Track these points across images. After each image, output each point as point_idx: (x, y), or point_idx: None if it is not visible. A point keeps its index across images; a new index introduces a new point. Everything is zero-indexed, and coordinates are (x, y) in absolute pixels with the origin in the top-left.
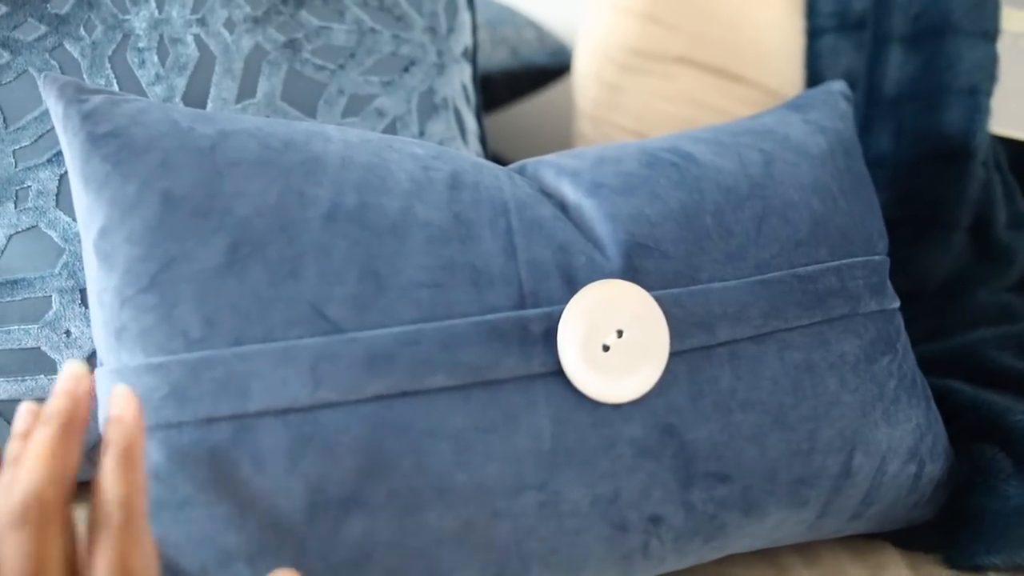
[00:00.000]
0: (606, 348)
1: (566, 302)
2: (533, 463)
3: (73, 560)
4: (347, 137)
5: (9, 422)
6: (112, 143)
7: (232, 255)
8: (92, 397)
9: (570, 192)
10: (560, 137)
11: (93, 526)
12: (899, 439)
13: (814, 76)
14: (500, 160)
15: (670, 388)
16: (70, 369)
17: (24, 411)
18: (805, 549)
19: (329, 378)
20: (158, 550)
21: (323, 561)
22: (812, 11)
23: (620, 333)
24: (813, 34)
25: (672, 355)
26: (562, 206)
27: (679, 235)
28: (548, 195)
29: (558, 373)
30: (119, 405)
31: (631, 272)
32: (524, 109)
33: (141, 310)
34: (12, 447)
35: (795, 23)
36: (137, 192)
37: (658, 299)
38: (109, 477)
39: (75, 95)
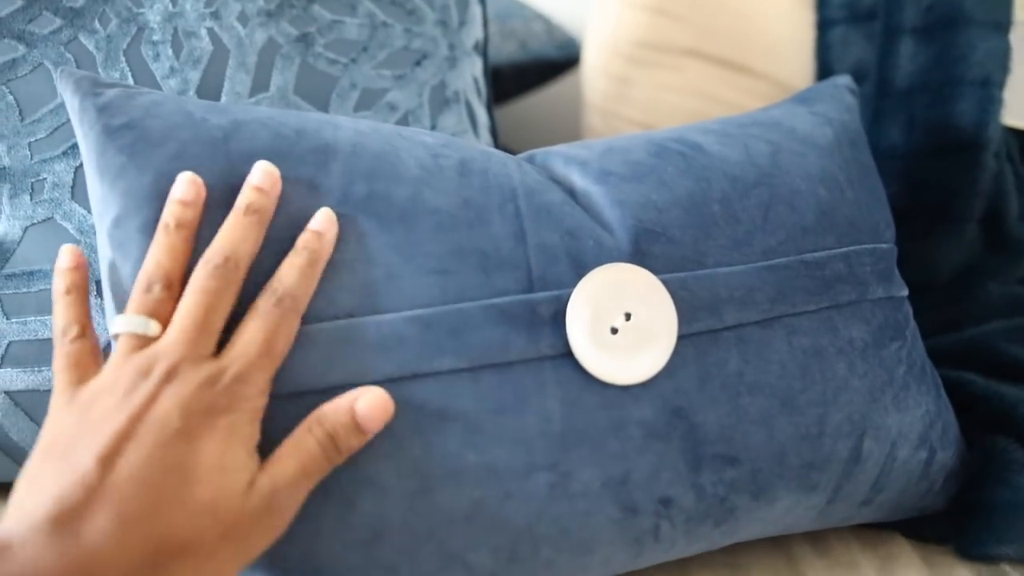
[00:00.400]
0: (614, 331)
1: (574, 286)
2: (543, 444)
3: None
4: (358, 126)
5: (27, 413)
6: (128, 135)
7: None
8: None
9: (578, 179)
10: (569, 130)
11: (259, 299)
12: (909, 425)
13: (824, 68)
14: (509, 152)
15: (678, 371)
16: (264, 167)
17: (186, 181)
18: (816, 539)
19: (339, 362)
20: None
21: (336, 540)
22: (822, 2)
23: (628, 316)
24: (823, 26)
25: (680, 338)
26: (571, 192)
27: (686, 221)
28: (557, 182)
29: (567, 355)
30: (322, 222)
31: (639, 256)
32: (533, 102)
33: None
34: (177, 211)
35: (804, 15)
36: (153, 183)
37: (665, 283)
38: (293, 271)
39: (91, 88)
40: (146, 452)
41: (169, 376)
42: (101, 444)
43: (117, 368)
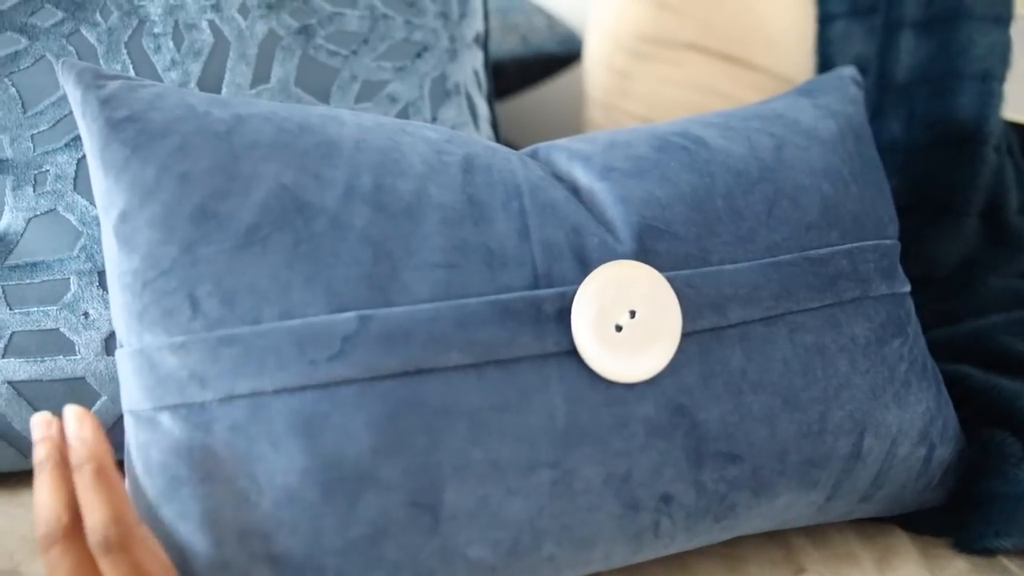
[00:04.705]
0: (619, 328)
1: (579, 283)
2: (546, 441)
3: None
4: (361, 121)
5: (29, 402)
6: (130, 128)
7: (250, 236)
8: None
9: (582, 175)
10: (570, 124)
11: (97, 551)
12: (909, 422)
13: (825, 62)
14: (511, 147)
15: (682, 368)
16: (71, 414)
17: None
18: (815, 531)
19: (345, 355)
20: (172, 528)
21: (339, 538)
22: None
23: (632, 314)
24: (824, 20)
25: (684, 336)
26: (574, 189)
27: (690, 217)
28: (560, 179)
29: (571, 353)
30: (74, 427)
31: (643, 253)
32: (534, 97)
33: (162, 292)
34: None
35: (806, 9)
36: (156, 176)
37: (670, 280)
38: (92, 500)
39: (93, 81)
40: None
41: None
42: None
43: None
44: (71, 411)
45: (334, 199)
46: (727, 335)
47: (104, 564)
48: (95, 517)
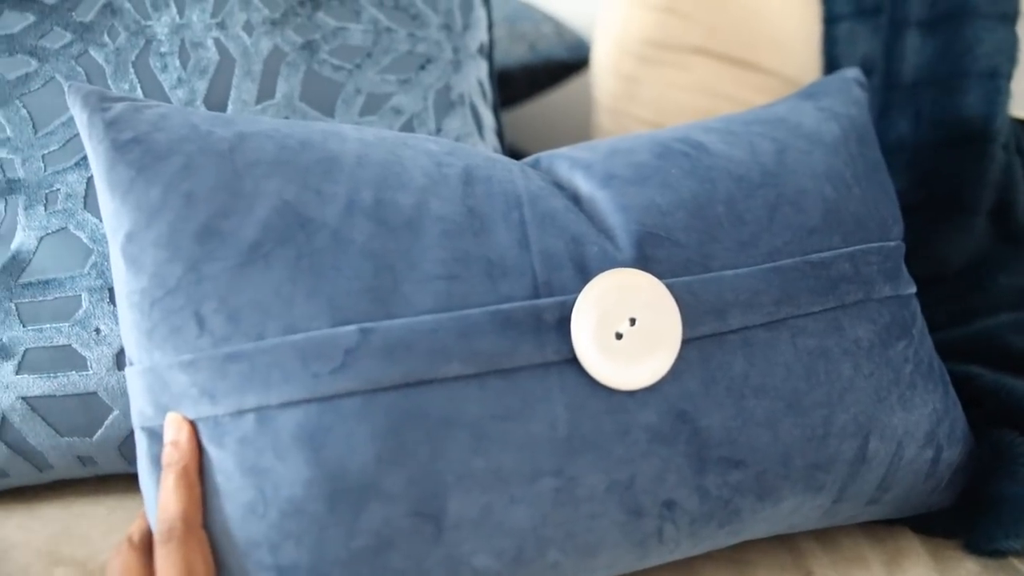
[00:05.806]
0: (619, 336)
1: (579, 291)
2: (549, 450)
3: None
4: (363, 136)
5: (43, 417)
6: (136, 149)
7: (253, 253)
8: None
9: (583, 184)
10: (579, 130)
11: (158, 539)
12: (916, 424)
13: (831, 63)
14: (519, 154)
15: (683, 375)
16: (169, 420)
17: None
18: (823, 534)
19: (348, 368)
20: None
21: (344, 549)
22: None
23: (633, 321)
24: (830, 20)
25: (685, 342)
26: (575, 198)
27: (691, 224)
28: (561, 187)
29: (572, 361)
30: (173, 431)
31: (643, 261)
32: (543, 103)
33: (170, 311)
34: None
35: (811, 10)
36: (161, 196)
37: (670, 287)
38: (170, 495)
39: (99, 103)
40: None
41: None
42: None
43: None
44: (172, 418)
45: (335, 214)
46: (728, 341)
47: (160, 551)
48: (168, 510)
